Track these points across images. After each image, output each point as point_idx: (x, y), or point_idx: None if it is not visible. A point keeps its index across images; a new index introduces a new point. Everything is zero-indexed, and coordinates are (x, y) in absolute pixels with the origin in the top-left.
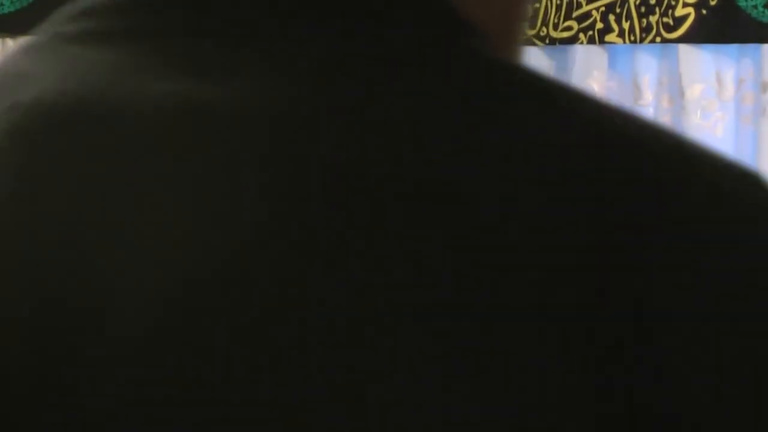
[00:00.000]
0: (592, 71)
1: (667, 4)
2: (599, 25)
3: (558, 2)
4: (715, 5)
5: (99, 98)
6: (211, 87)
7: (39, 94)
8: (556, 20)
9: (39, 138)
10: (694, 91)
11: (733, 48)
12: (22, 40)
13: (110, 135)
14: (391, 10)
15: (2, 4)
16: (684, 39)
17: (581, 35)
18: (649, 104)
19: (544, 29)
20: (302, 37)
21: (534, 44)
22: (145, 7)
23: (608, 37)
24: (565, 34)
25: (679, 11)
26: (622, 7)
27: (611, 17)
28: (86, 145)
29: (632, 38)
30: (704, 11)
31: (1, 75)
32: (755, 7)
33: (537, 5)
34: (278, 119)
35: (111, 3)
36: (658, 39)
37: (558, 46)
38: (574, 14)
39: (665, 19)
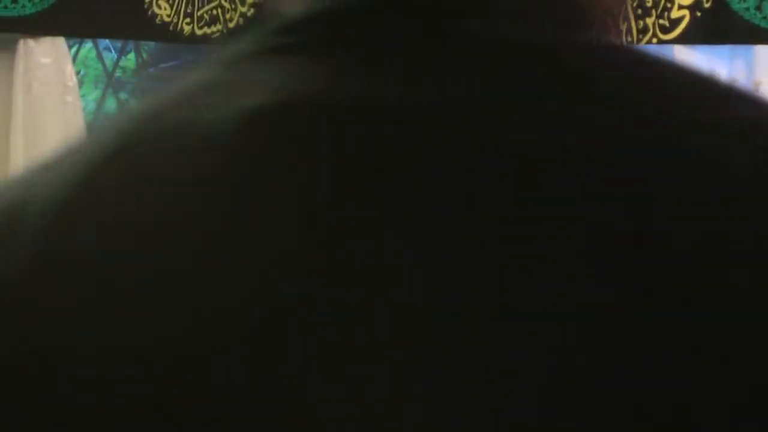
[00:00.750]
0: None
1: (663, 7)
2: None
3: None
4: (708, 7)
5: (324, 100)
6: (422, 89)
7: (266, 99)
8: None
9: (279, 139)
10: None
11: (725, 49)
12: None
13: (362, 134)
14: (524, 8)
15: (24, 6)
16: (679, 40)
17: None
18: None
19: None
20: (444, 40)
21: None
22: (338, 23)
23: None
24: None
25: (675, 13)
26: None
27: None
28: (343, 143)
29: (629, 39)
30: (699, 13)
31: (211, 84)
32: (747, 9)
33: None
34: (474, 116)
35: (302, 20)
36: (654, 40)
37: None
38: None
39: (661, 21)
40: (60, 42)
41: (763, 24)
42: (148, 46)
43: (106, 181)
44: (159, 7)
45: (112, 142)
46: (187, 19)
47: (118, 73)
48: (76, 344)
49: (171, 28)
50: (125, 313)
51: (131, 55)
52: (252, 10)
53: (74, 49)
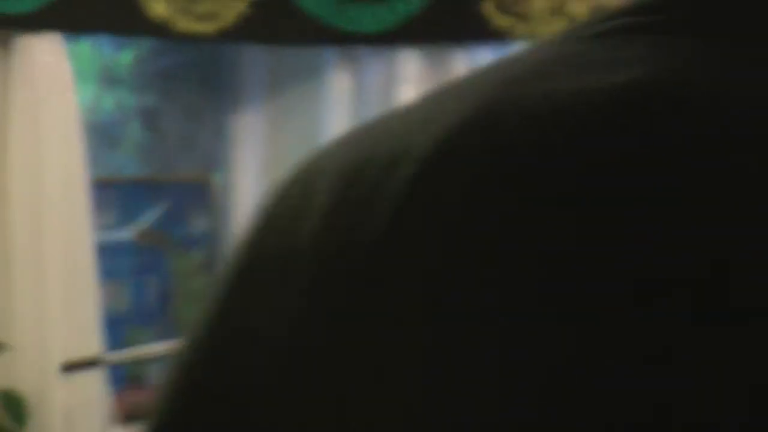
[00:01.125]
0: None
1: None
2: None
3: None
4: None
5: (691, 81)
6: None
7: (631, 77)
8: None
9: (658, 118)
10: None
11: None
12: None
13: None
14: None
15: (21, 2)
16: None
17: None
18: None
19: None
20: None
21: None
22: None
23: None
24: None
25: None
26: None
27: None
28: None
29: None
30: None
31: (570, 58)
32: None
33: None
34: None
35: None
36: None
37: None
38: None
39: None
40: (57, 38)
41: None
42: (145, 42)
43: (469, 142)
44: (155, 3)
45: (470, 105)
46: (183, 16)
47: (114, 70)
48: None
49: (167, 24)
50: None
51: (128, 52)
52: (251, 6)
53: (71, 45)
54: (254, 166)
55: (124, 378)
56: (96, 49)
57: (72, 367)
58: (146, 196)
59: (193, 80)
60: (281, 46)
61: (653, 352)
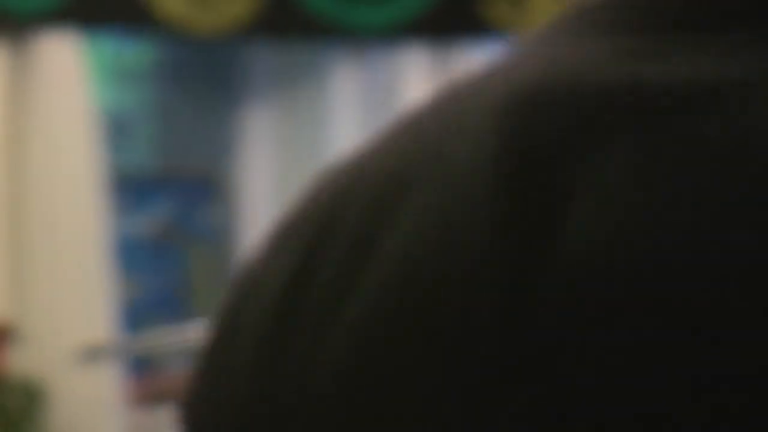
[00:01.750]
0: None
1: None
2: None
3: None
4: None
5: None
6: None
7: (525, 78)
8: None
9: (512, 114)
10: None
11: None
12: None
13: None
14: None
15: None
16: None
17: None
18: None
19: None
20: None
21: None
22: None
23: None
24: None
25: None
26: None
27: None
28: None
29: None
30: None
31: (500, 65)
32: None
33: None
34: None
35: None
36: None
37: None
38: None
39: None
40: (71, 35)
41: None
42: (157, 39)
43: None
44: (167, 0)
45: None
46: (194, 13)
47: (128, 66)
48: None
49: (178, 21)
50: None
51: (141, 49)
52: (260, 3)
53: (86, 42)
54: (265, 160)
55: (139, 365)
56: (110, 46)
57: (88, 354)
58: (160, 190)
59: (204, 77)
60: (290, 42)
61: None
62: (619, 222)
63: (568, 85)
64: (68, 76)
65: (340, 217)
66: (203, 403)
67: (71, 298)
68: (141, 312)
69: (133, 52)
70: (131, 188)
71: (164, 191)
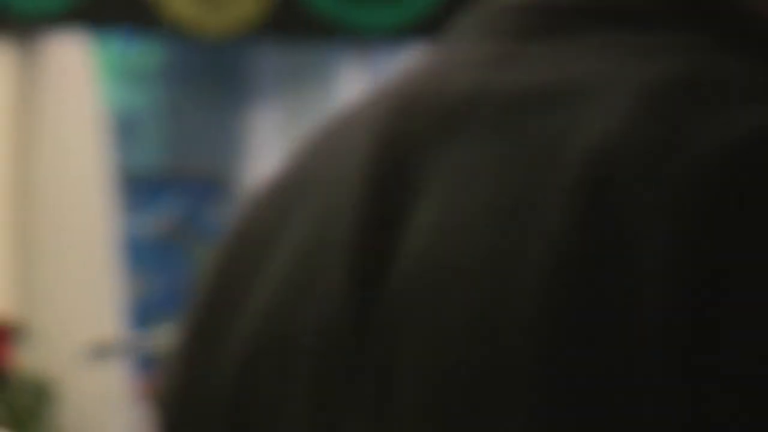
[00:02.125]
0: None
1: None
2: None
3: None
4: None
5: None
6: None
7: (406, 87)
8: None
9: (388, 123)
10: None
11: None
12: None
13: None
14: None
15: (47, 0)
16: None
17: None
18: None
19: None
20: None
21: None
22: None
23: None
24: None
25: None
26: None
27: None
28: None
29: None
30: None
31: (412, 74)
32: None
33: None
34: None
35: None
36: None
37: None
38: None
39: None
40: (80, 36)
41: None
42: (166, 40)
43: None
44: (175, 2)
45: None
46: (202, 14)
47: (137, 67)
48: None
49: (190, 23)
50: None
51: (150, 49)
52: (266, 5)
53: (96, 43)
54: (272, 160)
55: (146, 363)
56: (118, 46)
57: (97, 352)
58: (168, 189)
59: (212, 77)
60: (296, 43)
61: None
62: (443, 222)
63: (432, 94)
64: (77, 76)
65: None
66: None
67: (80, 296)
68: (149, 310)
69: (141, 52)
70: (139, 188)
71: (172, 191)
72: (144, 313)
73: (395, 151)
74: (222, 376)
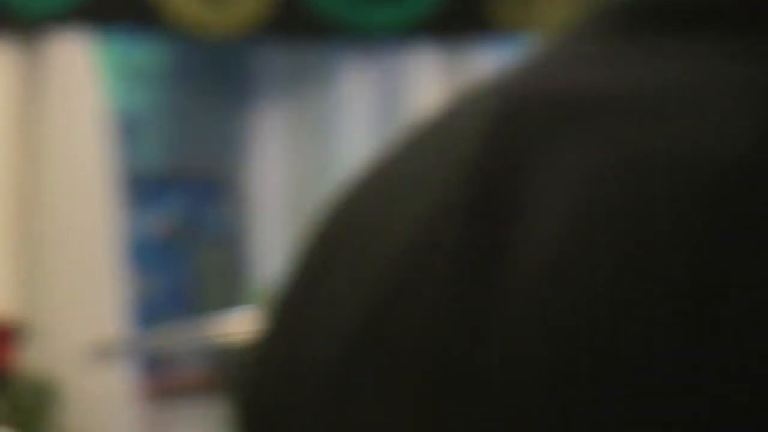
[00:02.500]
0: None
1: None
2: None
3: None
4: None
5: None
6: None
7: (513, 87)
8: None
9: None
10: None
11: None
12: None
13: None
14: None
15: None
16: None
17: None
18: None
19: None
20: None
21: None
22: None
23: None
24: None
25: None
26: None
27: None
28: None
29: None
30: None
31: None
32: None
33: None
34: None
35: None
36: None
37: None
38: None
39: None
40: (85, 36)
41: None
42: (170, 40)
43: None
44: (186, 2)
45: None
46: (206, 14)
47: (141, 67)
48: None
49: (194, 23)
50: None
51: (157, 49)
52: (269, 5)
53: (100, 43)
54: (276, 160)
55: (150, 363)
56: (122, 46)
57: (100, 352)
58: (171, 189)
59: (216, 77)
60: (300, 43)
61: None
62: (564, 228)
63: (544, 94)
64: (80, 76)
65: (345, 225)
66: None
67: (83, 296)
68: (152, 310)
69: (145, 52)
70: (142, 188)
71: (175, 191)
72: (147, 313)
73: (505, 150)
74: (318, 370)
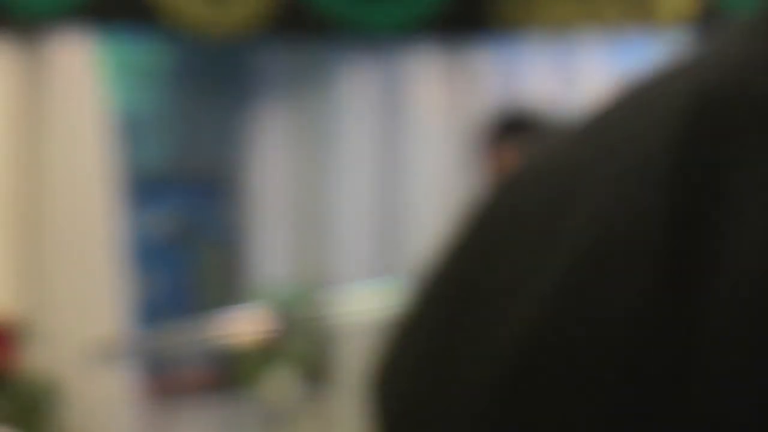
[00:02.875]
0: None
1: None
2: None
3: None
4: None
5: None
6: None
7: (702, 81)
8: None
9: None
10: None
11: None
12: None
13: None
14: None
15: None
16: None
17: None
18: None
19: None
20: None
21: None
22: None
23: None
24: None
25: None
26: None
27: None
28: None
29: None
30: None
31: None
32: None
33: None
34: None
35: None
36: None
37: None
38: None
39: None
40: (87, 35)
41: None
42: (172, 41)
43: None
44: (187, 2)
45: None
46: (208, 15)
47: (144, 66)
48: None
49: (196, 22)
50: None
51: (158, 48)
52: (271, 5)
53: (103, 43)
54: (278, 160)
55: (152, 363)
56: (124, 45)
57: (102, 352)
58: (173, 189)
59: (218, 77)
60: (302, 42)
61: None
62: None
63: (738, 91)
64: (82, 75)
65: (518, 216)
66: (387, 381)
67: (84, 296)
68: (154, 310)
69: (146, 52)
70: (144, 187)
71: (177, 190)
72: (148, 313)
73: (702, 151)
74: (487, 369)
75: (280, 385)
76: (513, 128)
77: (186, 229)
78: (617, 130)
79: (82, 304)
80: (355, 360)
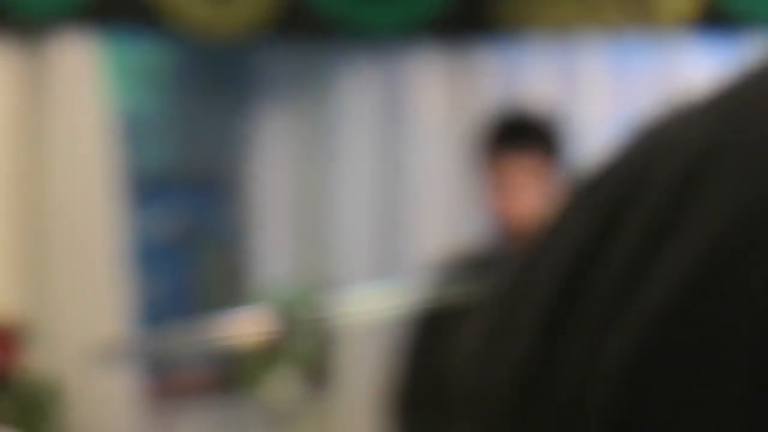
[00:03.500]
0: None
1: None
2: None
3: None
4: None
5: None
6: None
7: None
8: None
9: None
10: None
11: None
12: None
13: None
14: None
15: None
16: None
17: None
18: None
19: None
20: None
21: None
22: None
23: None
24: None
25: None
26: None
27: None
28: None
29: None
30: None
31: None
32: None
33: None
34: None
35: None
36: None
37: None
38: None
39: None
40: (90, 36)
41: None
42: (178, 40)
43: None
44: (189, 3)
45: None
46: (215, 16)
47: (147, 67)
48: None
49: (199, 24)
50: None
51: (161, 49)
52: (273, 6)
53: (105, 44)
54: (281, 162)
55: (154, 364)
56: (126, 47)
57: (104, 354)
58: (176, 191)
59: (220, 78)
60: (305, 44)
61: None
62: None
63: None
64: (84, 76)
65: (639, 193)
66: (477, 377)
67: (87, 297)
68: (156, 311)
69: (148, 53)
70: (147, 189)
71: (179, 192)
72: (150, 314)
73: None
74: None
75: (282, 386)
76: (513, 132)
77: (188, 231)
78: (745, 113)
79: (83, 305)
80: (358, 361)
